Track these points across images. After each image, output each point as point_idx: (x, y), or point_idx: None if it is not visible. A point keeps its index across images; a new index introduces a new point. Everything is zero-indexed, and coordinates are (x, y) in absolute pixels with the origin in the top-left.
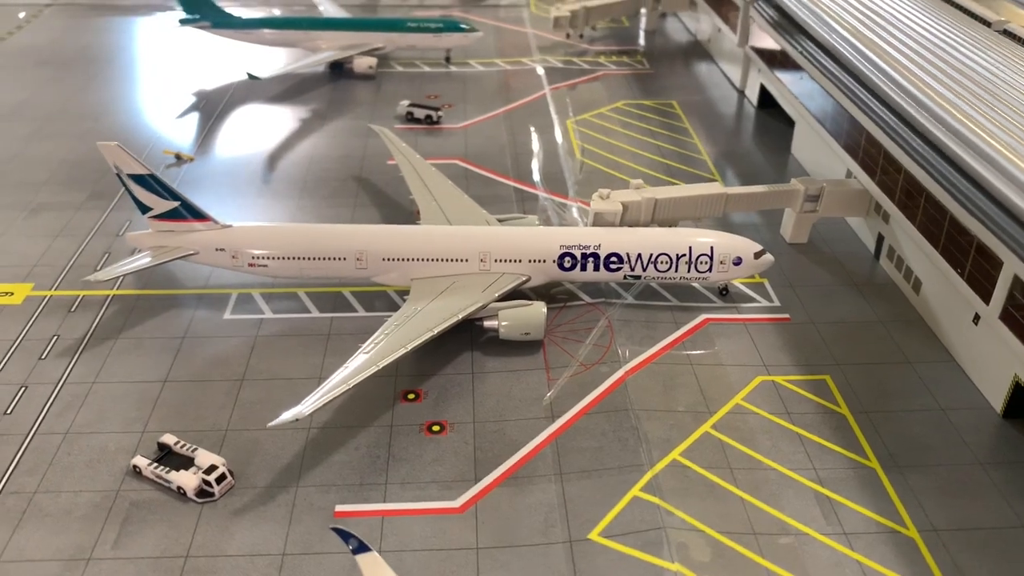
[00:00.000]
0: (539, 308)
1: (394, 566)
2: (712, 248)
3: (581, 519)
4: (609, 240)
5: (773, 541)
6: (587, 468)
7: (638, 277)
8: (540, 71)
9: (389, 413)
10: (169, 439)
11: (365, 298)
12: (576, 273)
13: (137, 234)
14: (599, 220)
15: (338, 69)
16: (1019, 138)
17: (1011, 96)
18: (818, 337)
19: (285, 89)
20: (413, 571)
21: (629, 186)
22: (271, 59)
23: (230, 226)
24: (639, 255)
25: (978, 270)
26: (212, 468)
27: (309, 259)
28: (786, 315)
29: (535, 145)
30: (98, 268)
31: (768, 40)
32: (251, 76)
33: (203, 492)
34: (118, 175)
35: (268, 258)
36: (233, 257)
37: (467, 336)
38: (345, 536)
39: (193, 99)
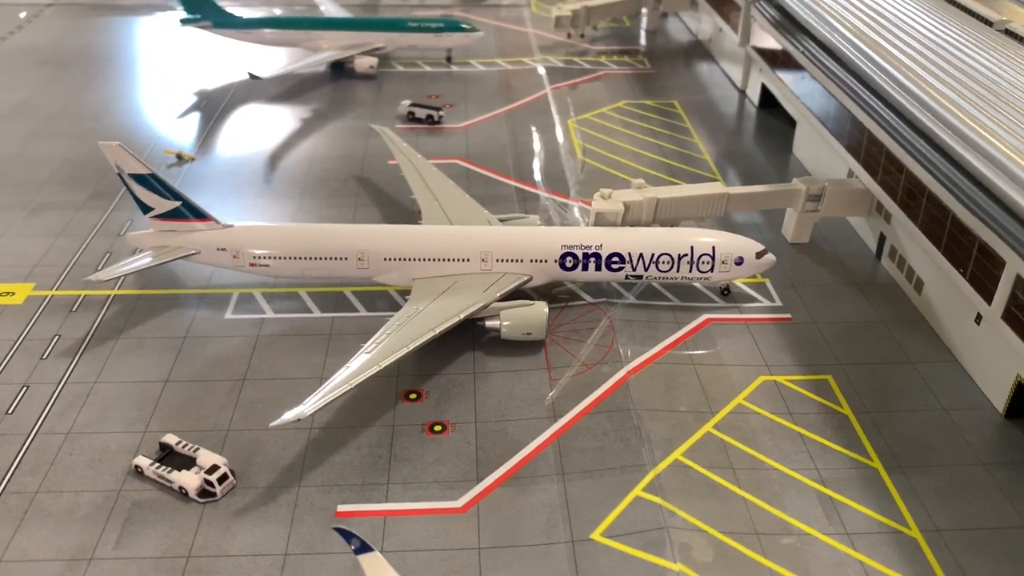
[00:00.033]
0: (541, 308)
1: (396, 566)
2: (714, 248)
3: (583, 519)
4: (611, 240)
5: (775, 541)
6: (589, 468)
7: (640, 277)
8: (541, 71)
9: (391, 413)
10: (171, 439)
11: (366, 298)
12: (578, 273)
13: (138, 234)
14: (601, 220)
15: (339, 69)
16: (1021, 137)
17: (1013, 95)
18: (820, 337)
19: (286, 89)
20: (415, 571)
21: (631, 186)
22: (272, 59)
23: (231, 226)
24: (641, 255)
25: (980, 270)
26: (214, 468)
27: (310, 259)
28: (788, 315)
29: (536, 145)
30: (99, 268)
31: (769, 40)
32: (252, 76)
33: (205, 492)
34: (119, 175)
35: (269, 258)
36: (234, 257)
37: (469, 336)
38: (347, 536)
39: (194, 99)
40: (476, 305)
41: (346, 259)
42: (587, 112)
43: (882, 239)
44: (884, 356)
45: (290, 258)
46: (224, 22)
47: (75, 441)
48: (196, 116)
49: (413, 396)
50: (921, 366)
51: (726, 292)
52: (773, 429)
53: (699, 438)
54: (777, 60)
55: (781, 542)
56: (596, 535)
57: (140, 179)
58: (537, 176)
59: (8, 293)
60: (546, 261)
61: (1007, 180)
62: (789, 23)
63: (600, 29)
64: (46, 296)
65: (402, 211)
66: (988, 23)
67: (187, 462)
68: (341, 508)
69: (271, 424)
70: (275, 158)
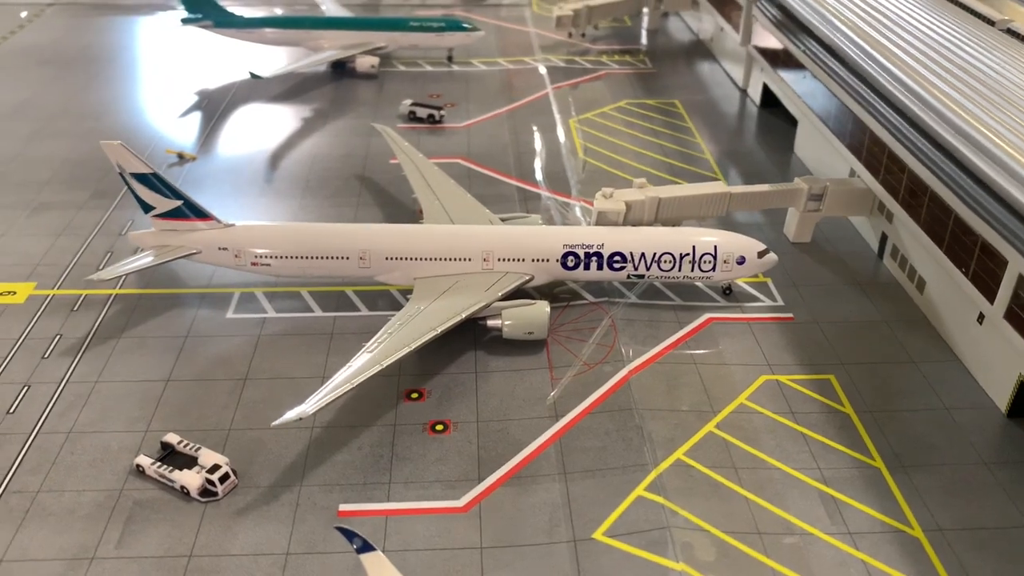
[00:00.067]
0: (542, 307)
1: (398, 566)
2: (716, 247)
3: (585, 519)
4: (612, 239)
5: (778, 541)
6: (591, 467)
7: (641, 276)
8: (542, 70)
9: (392, 412)
10: (172, 438)
11: (368, 297)
12: (579, 272)
13: (140, 233)
14: (602, 219)
15: (340, 68)
16: (1023, 136)
17: (1015, 95)
18: (822, 337)
19: (287, 88)
20: (417, 571)
21: (632, 185)
22: (273, 58)
23: (233, 225)
24: (643, 254)
25: (983, 269)
26: (215, 467)
27: (312, 258)
28: (790, 314)
29: (538, 144)
30: (101, 267)
31: (771, 39)
32: (253, 75)
33: (206, 491)
34: (121, 174)
35: (271, 257)
36: (236, 256)
37: (470, 335)
38: (349, 535)
39: (195, 98)
40: (478, 304)
41: (348, 258)
42: (588, 111)
43: (884, 238)
44: (886, 355)
45: (292, 257)
46: (225, 21)
47: (76, 440)
48: (197, 115)
49: (415, 395)
50: (923, 365)
51: (728, 291)
52: (775, 428)
53: (701, 437)
54: (778, 59)
55: (783, 542)
56: (598, 535)
57: (141, 178)
58: (539, 175)
59: (9, 292)
60: (548, 260)
61: (1009, 179)
62: (791, 22)
63: (601, 28)
64: (47, 295)
65: (404, 210)
66: (990, 22)
67: (189, 461)
68: (343, 507)
69: (273, 423)
70: (276, 157)
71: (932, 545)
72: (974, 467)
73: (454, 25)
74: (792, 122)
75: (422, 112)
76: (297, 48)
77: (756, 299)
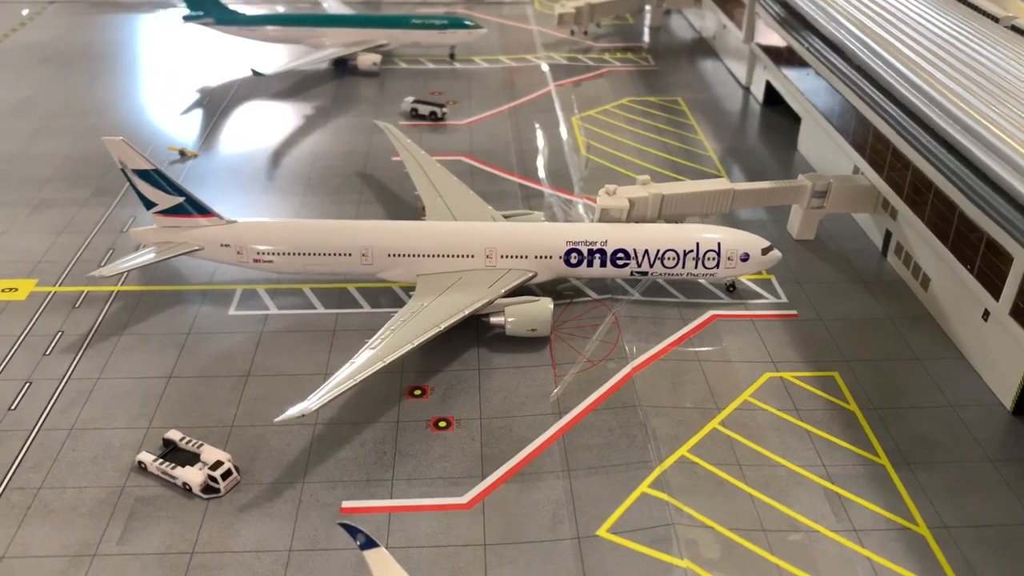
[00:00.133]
0: (546, 304)
1: (401, 562)
2: (719, 244)
3: (589, 515)
4: (616, 236)
5: (783, 538)
6: (595, 464)
7: (645, 273)
8: (545, 68)
9: (395, 409)
10: (174, 435)
11: (370, 294)
12: (583, 269)
13: (141, 230)
14: (605, 216)
15: (342, 66)
16: None
17: (1020, 90)
18: (826, 334)
19: (289, 86)
20: (420, 567)
21: (636, 182)
22: (275, 56)
23: (235, 222)
24: (646, 251)
25: (988, 266)
26: (218, 464)
27: (314, 255)
28: (794, 311)
29: (540, 142)
30: (102, 264)
31: (774, 37)
32: (255, 73)
33: (209, 488)
34: (123, 170)
35: (273, 254)
36: (238, 253)
37: (473, 332)
38: (353, 531)
39: (197, 96)
40: (481, 301)
41: (350, 255)
42: (591, 109)
43: (888, 235)
44: (890, 353)
45: (294, 254)
46: (227, 19)
47: (78, 437)
48: (199, 113)
49: (418, 392)
50: (928, 363)
51: (731, 288)
52: (779, 426)
53: (705, 434)
54: (781, 57)
55: (788, 539)
56: (602, 531)
57: (143, 175)
58: (541, 173)
59: (11, 289)
60: (551, 257)
61: (1015, 175)
62: (794, 19)
63: (603, 26)
64: (49, 292)
65: (406, 207)
66: (994, 19)
67: (191, 458)
68: (346, 504)
69: (275, 420)
70: (278, 155)
71: (937, 542)
72: (979, 464)
73: (456, 23)
74: (795, 119)
75: (424, 109)
76: (299, 45)
77: (760, 296)
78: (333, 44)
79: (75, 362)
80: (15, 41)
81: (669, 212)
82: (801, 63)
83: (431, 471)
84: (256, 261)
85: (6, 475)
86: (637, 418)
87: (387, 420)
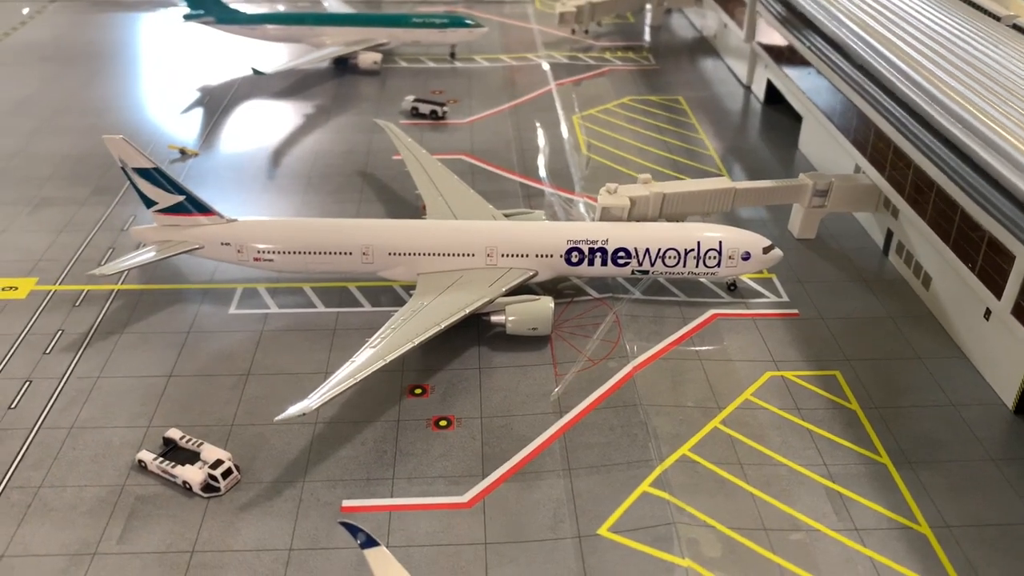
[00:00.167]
0: (546, 303)
1: (402, 561)
2: (721, 243)
3: (590, 515)
4: (617, 235)
5: (784, 537)
6: (595, 463)
7: (646, 272)
8: (545, 67)
9: (396, 408)
10: (175, 434)
11: (371, 293)
12: (583, 268)
13: (142, 228)
14: (606, 215)
15: (343, 65)
16: None
17: (1022, 89)
18: (827, 333)
19: (290, 85)
20: (421, 566)
21: (637, 181)
22: (275, 55)
23: (235, 220)
24: (647, 250)
25: (990, 265)
26: (218, 463)
27: (314, 253)
28: (795, 310)
29: (541, 140)
30: (103, 263)
31: (775, 36)
32: (256, 72)
33: (209, 487)
34: (123, 169)
35: (273, 252)
36: (238, 251)
37: (474, 331)
38: (353, 530)
39: (197, 94)
40: (481, 300)
41: (350, 254)
42: (592, 108)
43: (889, 234)
44: (892, 352)
45: (294, 253)
46: (227, 18)
47: (78, 436)
48: (199, 112)
49: (418, 391)
50: (929, 362)
51: (732, 287)
52: (781, 425)
53: (706, 433)
54: (783, 56)
55: (790, 538)
56: (603, 531)
57: (144, 173)
58: (542, 172)
59: (11, 288)
60: (552, 256)
61: (1017, 173)
62: (795, 18)
63: (604, 25)
64: (49, 291)
65: (406, 206)
66: (996, 18)
67: (191, 457)
68: (346, 503)
69: (276, 419)
70: (279, 153)
71: (939, 541)
72: (981, 463)
73: (457, 21)
74: (796, 118)
75: (425, 108)
76: (299, 44)
77: (761, 295)
78: (334, 43)
79: (75, 361)
80: (15, 40)
81: (670, 211)
82: (802, 62)
83: (432, 470)
84: (256, 260)
85: (6, 474)
86: (638, 417)
87: (388, 419)
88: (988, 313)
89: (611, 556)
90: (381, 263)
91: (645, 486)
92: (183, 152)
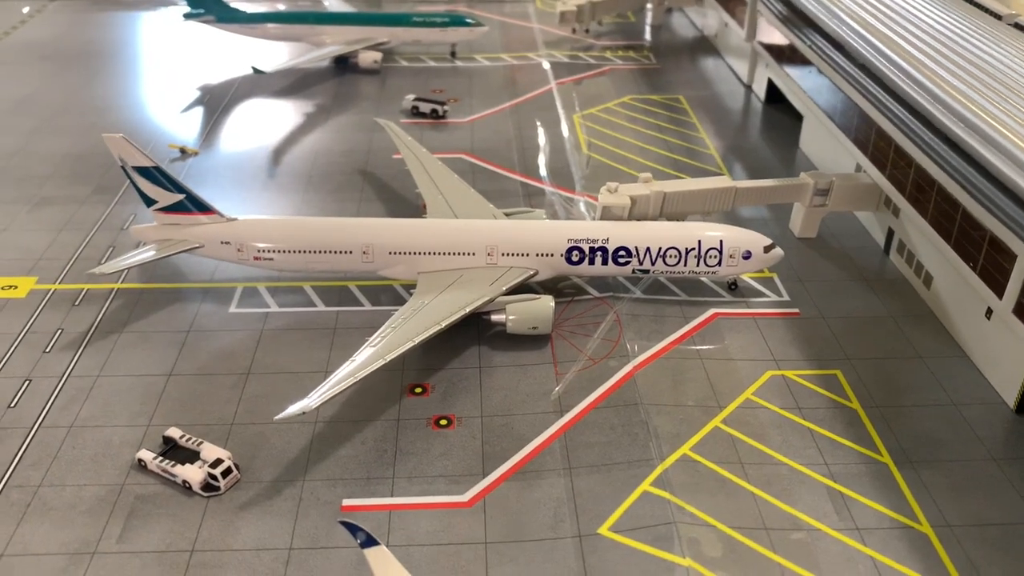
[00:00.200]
0: (547, 302)
1: (402, 560)
2: (721, 242)
3: (590, 514)
4: (617, 234)
5: (785, 536)
6: (596, 463)
7: (647, 271)
8: (546, 66)
9: (396, 407)
10: (174, 433)
11: (371, 292)
12: (584, 267)
13: (142, 227)
14: (607, 214)
15: (343, 64)
16: None
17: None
18: (828, 332)
19: (290, 84)
20: (421, 565)
21: (637, 180)
22: (276, 54)
23: (235, 219)
24: (648, 249)
25: (991, 264)
26: (218, 462)
27: (315, 252)
28: (795, 310)
29: (541, 139)
30: (103, 261)
31: (776, 35)
32: (256, 70)
33: (209, 486)
34: (123, 168)
35: (274, 251)
36: (238, 250)
37: (474, 330)
38: (353, 529)
39: (198, 94)
40: (482, 299)
41: (351, 253)
42: (592, 107)
43: (890, 233)
44: (893, 351)
45: (294, 252)
46: (227, 17)
47: (78, 435)
48: (200, 111)
49: (418, 390)
50: (930, 361)
51: (733, 287)
52: (782, 424)
53: (707, 433)
54: (783, 55)
55: (791, 537)
56: (603, 530)
57: (144, 172)
58: (542, 171)
59: (11, 287)
60: (552, 255)
61: (1019, 172)
62: (796, 17)
63: (605, 24)
64: (49, 290)
65: (407, 205)
66: (997, 17)
67: (191, 456)
68: (346, 502)
69: (276, 417)
70: (279, 152)
71: (940, 541)
72: (982, 463)
73: (457, 21)
74: (797, 118)
75: (425, 107)
76: (300, 43)
77: (762, 294)
78: (334, 42)
79: (75, 360)
80: (16, 39)
81: (671, 210)
82: (803, 61)
83: (432, 469)
84: (256, 259)
85: (6, 473)
86: (639, 416)
87: (388, 418)
88: (990, 312)
89: (611, 555)
90: (381, 262)
91: (646, 485)
92: (183, 151)
